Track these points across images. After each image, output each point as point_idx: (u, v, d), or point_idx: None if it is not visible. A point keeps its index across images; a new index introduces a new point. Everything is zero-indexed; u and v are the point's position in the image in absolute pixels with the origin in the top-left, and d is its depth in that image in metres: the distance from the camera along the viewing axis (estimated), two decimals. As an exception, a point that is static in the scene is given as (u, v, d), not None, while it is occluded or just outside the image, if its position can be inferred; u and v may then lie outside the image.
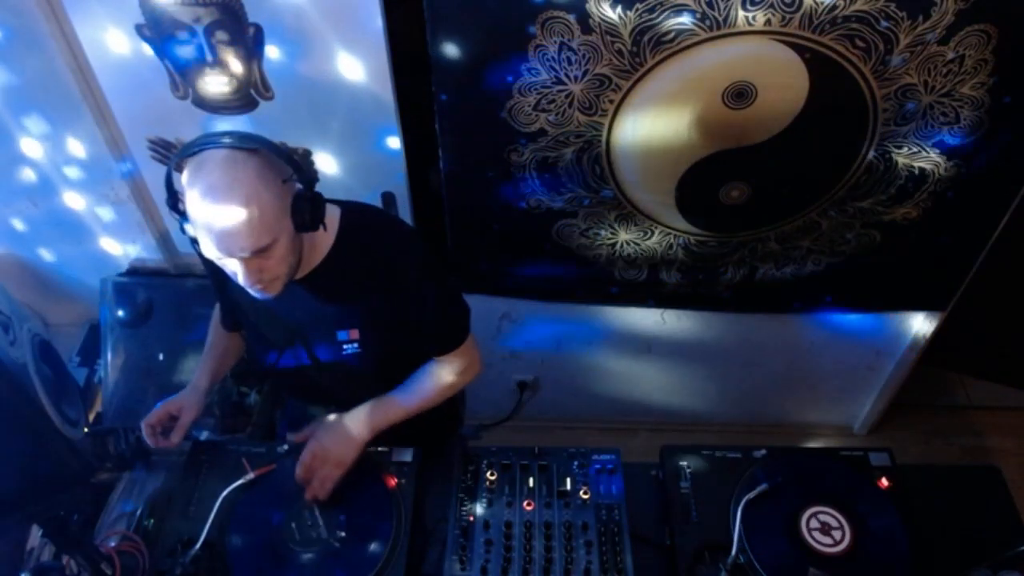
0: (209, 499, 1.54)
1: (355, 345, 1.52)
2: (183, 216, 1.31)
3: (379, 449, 1.62)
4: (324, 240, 1.44)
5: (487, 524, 1.53)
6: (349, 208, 1.49)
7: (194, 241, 1.33)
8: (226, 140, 1.25)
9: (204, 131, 2.04)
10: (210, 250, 1.28)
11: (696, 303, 2.37)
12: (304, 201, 1.31)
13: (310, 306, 1.49)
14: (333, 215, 1.45)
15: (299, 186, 1.33)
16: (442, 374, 1.63)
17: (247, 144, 1.26)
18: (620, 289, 2.30)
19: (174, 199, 1.32)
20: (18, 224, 2.41)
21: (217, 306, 1.77)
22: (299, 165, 1.32)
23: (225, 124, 2.01)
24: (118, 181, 2.21)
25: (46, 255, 2.53)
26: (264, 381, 2.45)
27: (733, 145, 1.88)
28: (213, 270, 1.50)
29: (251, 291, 1.35)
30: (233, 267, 1.31)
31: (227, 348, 1.77)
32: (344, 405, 1.68)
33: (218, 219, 1.23)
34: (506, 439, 2.77)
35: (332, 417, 1.59)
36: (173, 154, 1.26)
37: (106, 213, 2.32)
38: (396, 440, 1.63)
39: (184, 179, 1.27)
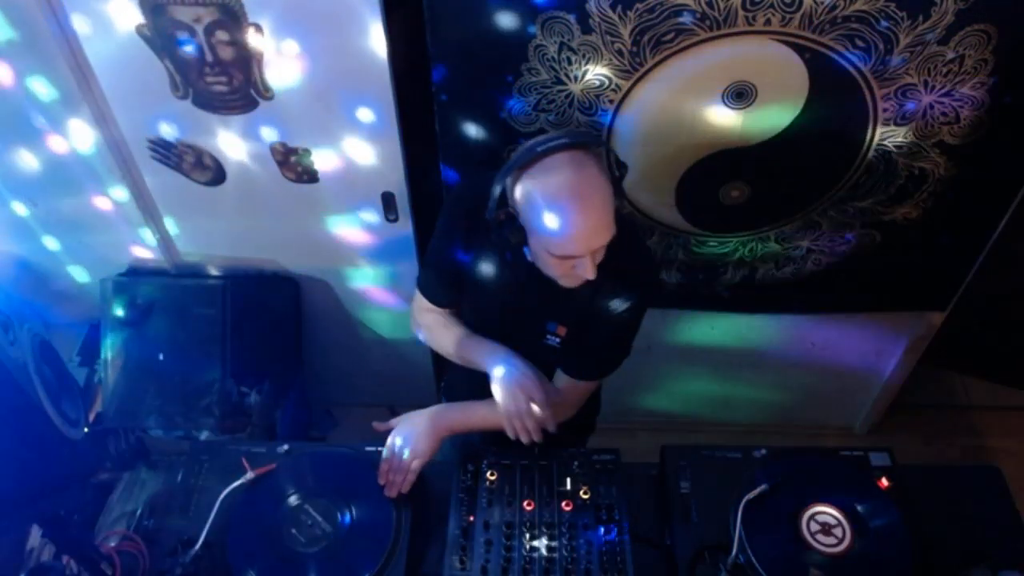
0: (209, 499, 1.54)
1: (557, 339, 1.55)
2: (504, 226, 1.35)
3: (378, 449, 1.62)
4: None
5: (487, 524, 1.53)
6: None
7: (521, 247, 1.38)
8: (564, 140, 1.30)
9: (204, 131, 2.07)
10: (564, 250, 1.32)
11: (696, 303, 2.37)
12: (620, 184, 1.36)
13: (540, 294, 1.50)
14: None
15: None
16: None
17: (580, 139, 1.31)
18: (620, 289, 2.30)
19: (504, 210, 1.35)
20: (18, 224, 2.41)
21: (422, 298, 1.69)
22: (611, 150, 1.36)
23: (226, 124, 2.01)
24: (118, 181, 2.21)
25: (46, 255, 2.53)
26: (264, 380, 2.45)
27: (733, 145, 1.88)
28: (464, 240, 1.56)
29: (566, 282, 1.40)
30: (568, 265, 1.34)
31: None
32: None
33: (582, 218, 1.28)
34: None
35: (416, 411, 1.62)
36: (512, 159, 1.32)
37: (106, 213, 2.32)
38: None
39: (527, 186, 1.30)
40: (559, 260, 1.35)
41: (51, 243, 2.48)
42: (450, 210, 1.63)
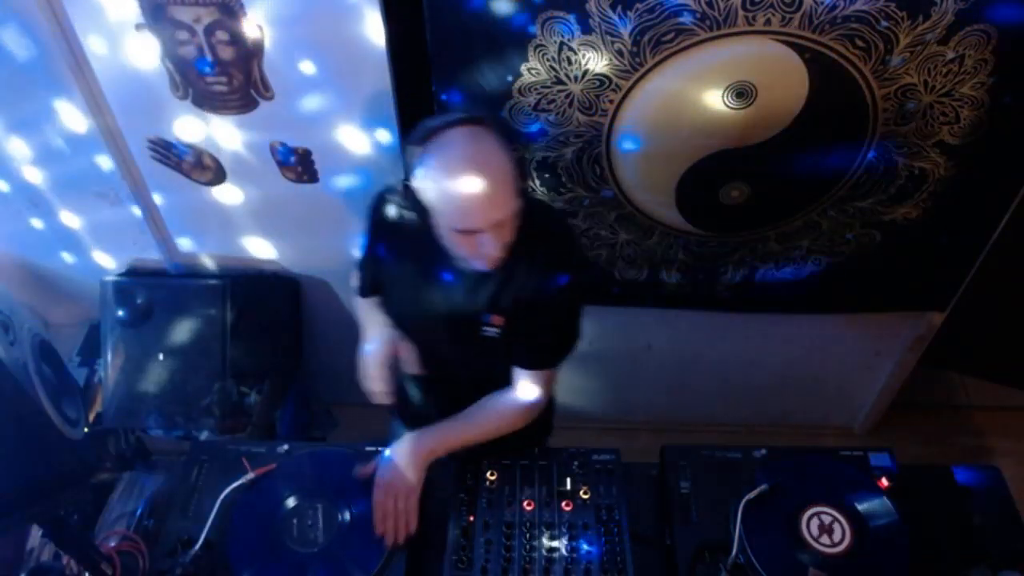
0: (209, 499, 1.54)
1: (495, 330, 1.54)
2: (408, 206, 1.36)
3: (378, 449, 1.62)
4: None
5: (487, 524, 1.53)
6: (529, 197, 1.53)
7: (426, 225, 1.37)
8: (459, 117, 1.32)
9: (204, 131, 2.06)
10: (463, 224, 1.33)
11: (696, 303, 2.37)
12: (524, 168, 1.38)
13: (469, 284, 1.51)
14: None
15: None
16: (511, 405, 1.62)
17: (478, 116, 1.33)
18: (620, 289, 2.30)
19: (407, 189, 1.37)
20: (18, 224, 2.41)
21: (358, 280, 1.78)
22: (516, 133, 1.37)
23: (226, 124, 2.01)
24: (118, 181, 2.21)
25: (46, 255, 2.53)
26: (264, 380, 2.45)
27: (733, 145, 1.88)
28: (382, 230, 1.60)
29: (481, 260, 1.40)
30: (474, 241, 1.35)
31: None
32: (456, 389, 1.69)
33: (477, 189, 1.28)
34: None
35: (387, 450, 1.58)
36: (410, 137, 1.35)
37: (106, 213, 2.32)
38: (484, 447, 1.63)
39: (426, 161, 1.31)
40: (464, 236, 1.36)
41: (51, 243, 2.48)
42: (373, 208, 1.64)
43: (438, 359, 1.70)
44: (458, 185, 1.29)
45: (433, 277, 1.54)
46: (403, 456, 1.55)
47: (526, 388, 1.60)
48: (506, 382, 1.63)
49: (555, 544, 1.49)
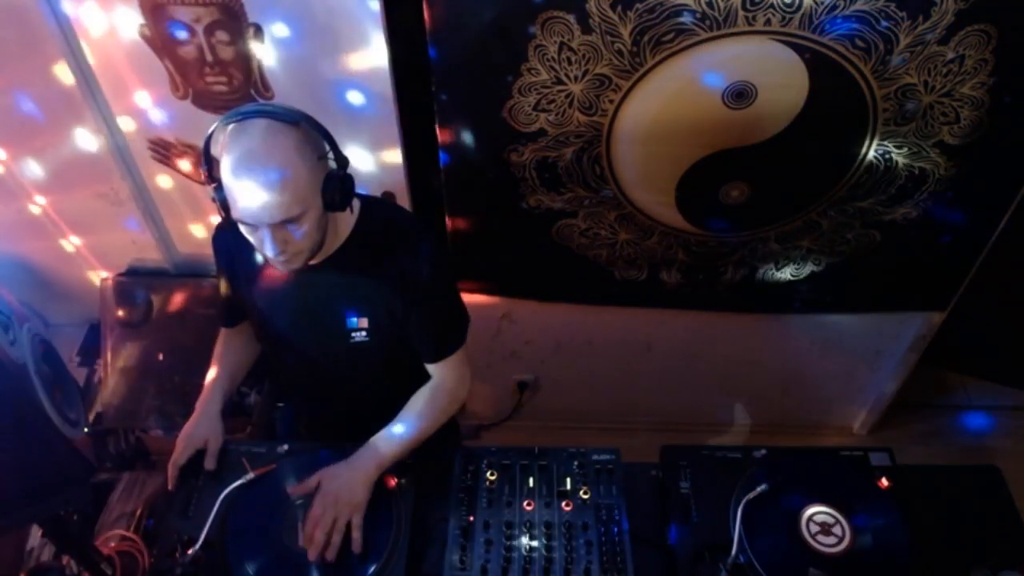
0: (209, 499, 1.54)
1: (364, 333, 1.55)
2: (215, 183, 1.36)
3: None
4: (344, 227, 1.50)
5: (487, 524, 1.52)
6: (369, 199, 1.56)
7: (223, 213, 1.36)
8: (268, 110, 1.31)
9: (204, 131, 2.06)
10: (241, 215, 1.32)
11: (696, 303, 2.37)
12: (336, 180, 1.37)
13: (323, 293, 1.53)
14: (354, 204, 1.51)
15: (332, 166, 1.38)
16: (436, 394, 1.63)
17: (289, 116, 1.31)
18: (620, 289, 2.30)
19: (209, 164, 1.37)
20: (18, 224, 2.41)
21: (220, 311, 1.78)
22: (336, 145, 1.38)
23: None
24: (118, 181, 2.21)
25: (46, 255, 2.53)
26: (264, 381, 2.45)
27: (733, 145, 1.88)
28: (225, 255, 1.60)
29: (274, 263, 1.40)
30: (259, 237, 1.35)
31: (238, 363, 1.79)
32: (344, 402, 1.73)
33: (253, 183, 1.28)
34: (506, 439, 2.77)
35: (334, 466, 1.54)
36: (219, 120, 1.34)
37: (106, 213, 2.32)
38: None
39: (223, 144, 1.31)
40: (249, 231, 1.36)
41: (51, 243, 2.48)
42: (217, 231, 1.64)
43: (321, 381, 1.71)
44: (237, 175, 1.29)
45: (287, 290, 1.55)
46: (357, 470, 1.51)
47: (446, 375, 1.64)
48: (398, 394, 1.64)
49: (555, 544, 1.49)
